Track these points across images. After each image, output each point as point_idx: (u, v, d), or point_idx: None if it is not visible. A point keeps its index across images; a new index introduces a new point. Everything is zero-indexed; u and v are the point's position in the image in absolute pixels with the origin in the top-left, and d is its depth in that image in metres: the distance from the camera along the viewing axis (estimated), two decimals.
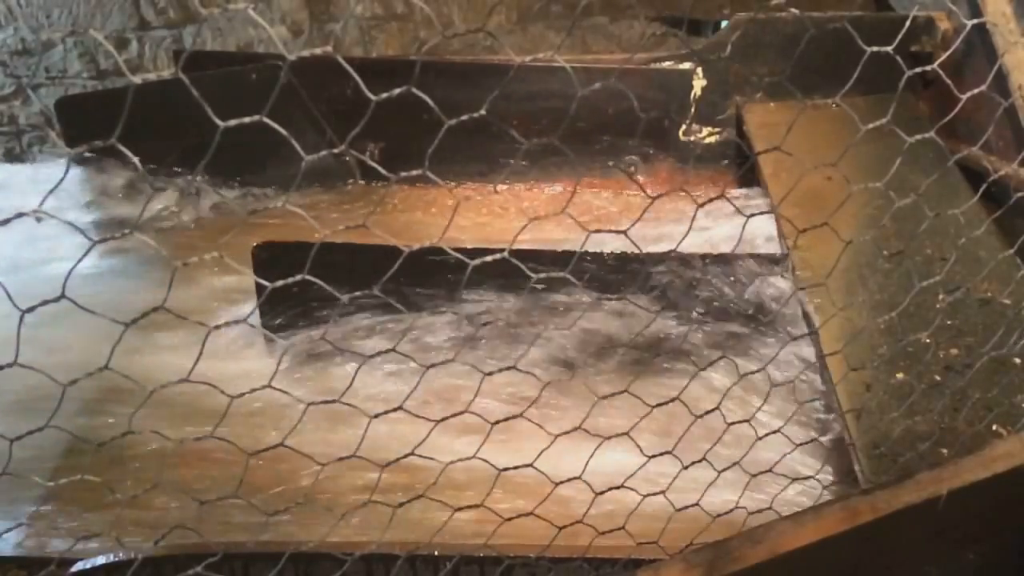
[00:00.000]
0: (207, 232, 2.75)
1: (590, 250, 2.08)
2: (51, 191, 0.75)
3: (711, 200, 0.99)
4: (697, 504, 1.20)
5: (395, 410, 0.95)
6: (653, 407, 1.13)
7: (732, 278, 2.08)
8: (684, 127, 2.94)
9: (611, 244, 2.10)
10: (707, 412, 1.16)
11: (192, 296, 2.35)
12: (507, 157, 2.94)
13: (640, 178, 2.90)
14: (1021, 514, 1.22)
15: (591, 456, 1.13)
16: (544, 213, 2.73)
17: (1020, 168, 2.13)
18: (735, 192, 2.66)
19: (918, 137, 1.12)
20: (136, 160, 0.80)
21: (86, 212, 2.80)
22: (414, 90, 0.83)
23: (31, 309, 0.71)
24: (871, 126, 1.06)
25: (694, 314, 2.08)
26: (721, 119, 2.94)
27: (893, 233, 2.10)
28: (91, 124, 2.77)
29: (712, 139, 2.94)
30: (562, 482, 1.13)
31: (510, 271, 1.01)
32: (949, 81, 1.22)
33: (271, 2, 3.62)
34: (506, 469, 1.08)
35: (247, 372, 2.03)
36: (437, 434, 1.00)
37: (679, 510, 1.20)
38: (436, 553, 1.36)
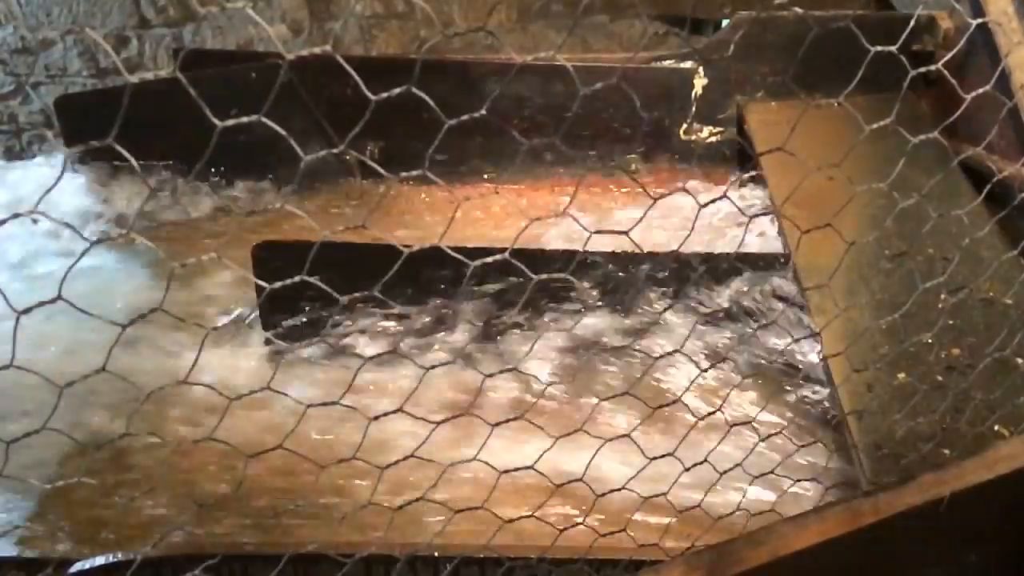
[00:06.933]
0: (206, 232, 2.74)
1: (591, 250, 2.08)
2: (48, 190, 0.74)
3: (713, 200, 0.98)
4: (699, 506, 1.19)
5: (395, 412, 0.95)
6: (655, 409, 1.12)
7: (734, 278, 2.07)
8: (685, 126, 2.93)
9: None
10: (709, 414, 1.15)
11: (192, 296, 2.34)
12: (508, 157, 2.93)
13: (641, 177, 2.89)
14: None
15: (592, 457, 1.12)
16: (545, 213, 2.72)
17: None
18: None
19: (922, 137, 1.11)
20: (134, 160, 0.79)
21: (84, 211, 2.79)
22: (414, 90, 0.82)
23: (27, 311, 0.70)
24: (875, 126, 1.05)
25: (696, 314, 2.08)
26: (722, 118, 2.93)
27: (895, 233, 2.09)
28: (90, 123, 2.76)
29: (713, 138, 2.93)
30: (563, 484, 1.12)
31: (511, 272, 1.00)
32: (953, 80, 1.21)
33: (271, 0, 3.62)
34: (507, 471, 1.08)
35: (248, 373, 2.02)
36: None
37: (682, 512, 1.20)
38: (436, 555, 1.36)
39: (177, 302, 2.20)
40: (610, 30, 3.73)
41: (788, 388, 1.91)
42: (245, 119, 0.76)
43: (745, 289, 2.07)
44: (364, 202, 2.90)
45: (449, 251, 0.98)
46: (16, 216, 0.69)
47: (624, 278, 2.09)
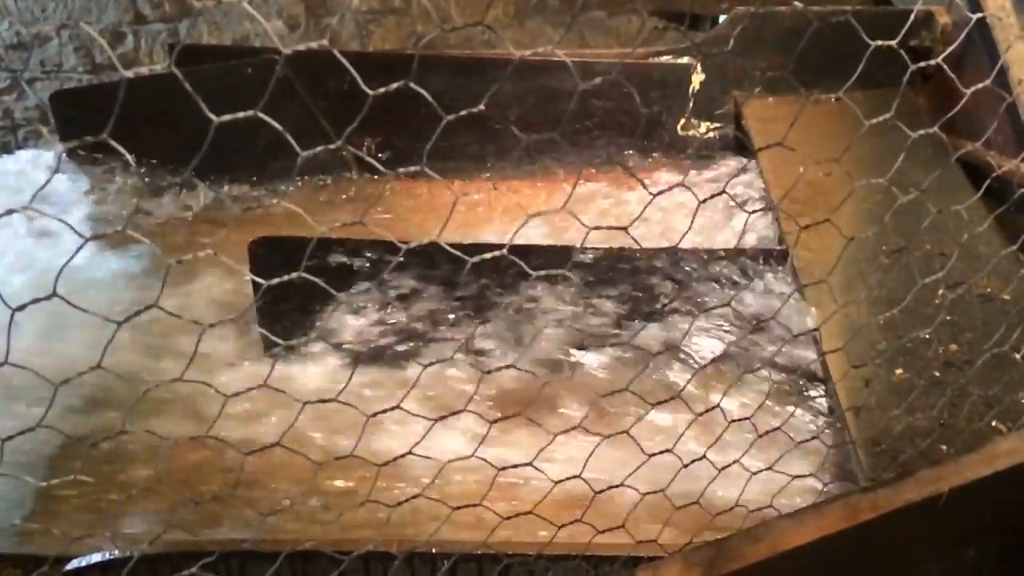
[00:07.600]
0: (202, 228, 2.73)
1: (587, 246, 2.07)
2: (42, 186, 0.74)
3: (713, 197, 0.98)
4: (697, 502, 1.19)
5: (393, 409, 0.94)
6: (654, 405, 1.12)
7: (731, 274, 2.06)
8: (683, 122, 2.93)
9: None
10: (707, 410, 1.15)
11: (188, 292, 2.33)
12: (506, 152, 2.92)
13: (638, 172, 2.89)
14: (1022, 512, 1.22)
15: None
16: (543, 209, 2.71)
17: (1022, 164, 2.12)
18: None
19: (921, 132, 1.11)
20: (129, 156, 0.79)
21: (80, 208, 2.78)
22: (412, 84, 0.82)
23: (22, 307, 0.70)
24: (875, 121, 1.04)
25: (693, 312, 2.07)
26: (720, 114, 2.92)
27: (892, 229, 2.09)
28: (86, 119, 2.75)
29: (711, 134, 2.93)
30: (561, 480, 1.12)
31: (508, 268, 1.00)
32: (953, 76, 1.21)
33: None
34: (504, 468, 1.07)
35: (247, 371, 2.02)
36: None
37: (679, 508, 1.20)
38: (434, 551, 1.36)
39: (173, 298, 2.19)
40: (607, 25, 3.72)
41: (786, 384, 1.91)
42: (242, 114, 0.76)
43: (743, 285, 2.06)
44: (361, 198, 2.89)
45: (447, 247, 0.98)
46: (11, 212, 0.69)
47: (624, 275, 2.08)
